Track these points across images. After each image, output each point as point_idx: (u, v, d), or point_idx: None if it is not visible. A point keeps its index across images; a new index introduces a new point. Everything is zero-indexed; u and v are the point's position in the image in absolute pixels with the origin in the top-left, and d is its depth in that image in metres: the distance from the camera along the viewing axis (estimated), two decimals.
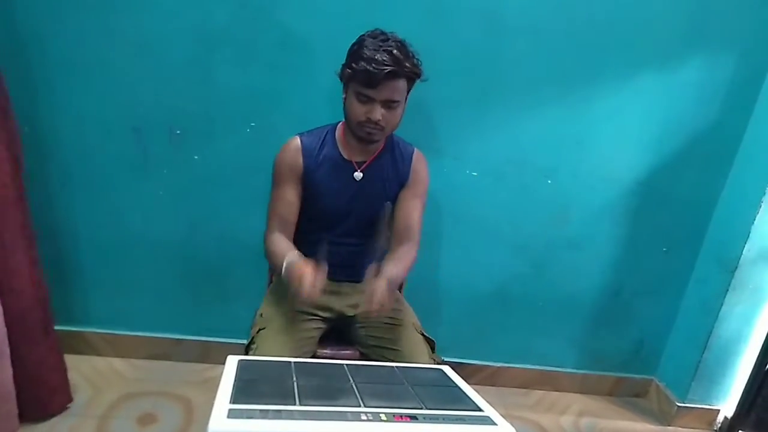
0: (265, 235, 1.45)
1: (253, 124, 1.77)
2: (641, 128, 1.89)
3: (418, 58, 1.34)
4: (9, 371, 1.49)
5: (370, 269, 1.26)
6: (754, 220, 1.86)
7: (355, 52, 1.29)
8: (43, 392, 1.65)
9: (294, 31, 1.67)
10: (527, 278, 2.06)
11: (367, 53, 1.26)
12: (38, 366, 1.61)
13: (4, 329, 1.44)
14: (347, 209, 1.46)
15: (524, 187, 1.92)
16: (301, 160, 1.41)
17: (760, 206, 1.84)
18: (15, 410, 1.54)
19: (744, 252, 1.89)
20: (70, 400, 1.74)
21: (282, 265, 1.28)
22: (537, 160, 1.89)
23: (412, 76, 1.32)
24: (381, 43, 1.27)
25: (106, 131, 1.74)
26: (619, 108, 1.85)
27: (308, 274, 1.18)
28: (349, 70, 1.31)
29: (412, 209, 1.50)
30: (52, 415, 1.68)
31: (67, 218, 1.84)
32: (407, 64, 1.28)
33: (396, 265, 1.34)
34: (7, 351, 1.47)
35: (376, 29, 1.33)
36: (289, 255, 1.30)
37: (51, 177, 1.78)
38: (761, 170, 1.85)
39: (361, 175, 1.44)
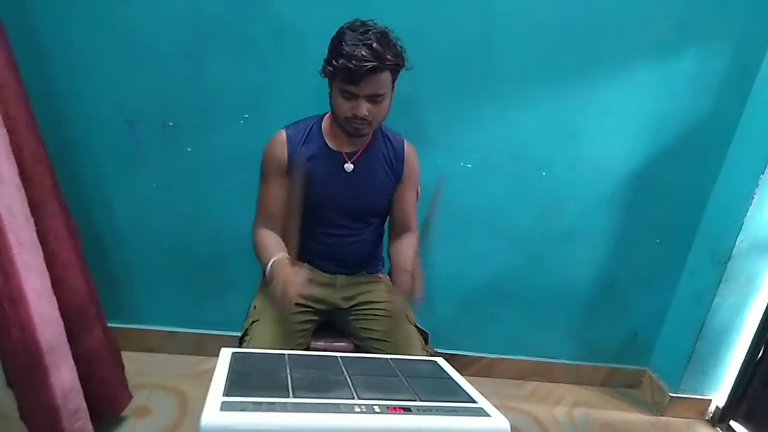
0: (252, 229, 1.46)
1: (246, 116, 1.75)
2: (635, 120, 1.89)
3: (401, 45, 1.30)
4: (71, 368, 1.41)
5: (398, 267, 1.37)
6: (747, 211, 1.86)
7: (335, 48, 1.26)
8: (108, 391, 1.59)
9: (287, 22, 1.66)
10: (521, 270, 2.07)
11: (347, 49, 1.22)
12: (99, 364, 1.54)
13: (62, 325, 1.37)
14: (339, 201, 1.44)
15: (518, 179, 1.92)
16: (285, 154, 1.39)
17: (753, 198, 1.85)
18: (83, 407, 1.45)
19: (737, 243, 1.90)
20: (130, 397, 1.70)
21: (268, 263, 1.29)
22: (531, 152, 1.89)
23: (395, 67, 1.29)
24: (360, 37, 1.23)
25: (99, 124, 1.73)
26: (613, 100, 1.84)
27: (291, 281, 1.19)
28: (330, 68, 1.27)
29: (407, 202, 1.52)
30: (119, 414, 1.65)
31: None
32: (389, 57, 1.24)
33: (410, 256, 1.36)
34: (67, 347, 1.40)
35: (356, 20, 1.29)
36: (276, 255, 1.30)
37: None
38: (754, 162, 1.86)
39: (352, 167, 1.42)
